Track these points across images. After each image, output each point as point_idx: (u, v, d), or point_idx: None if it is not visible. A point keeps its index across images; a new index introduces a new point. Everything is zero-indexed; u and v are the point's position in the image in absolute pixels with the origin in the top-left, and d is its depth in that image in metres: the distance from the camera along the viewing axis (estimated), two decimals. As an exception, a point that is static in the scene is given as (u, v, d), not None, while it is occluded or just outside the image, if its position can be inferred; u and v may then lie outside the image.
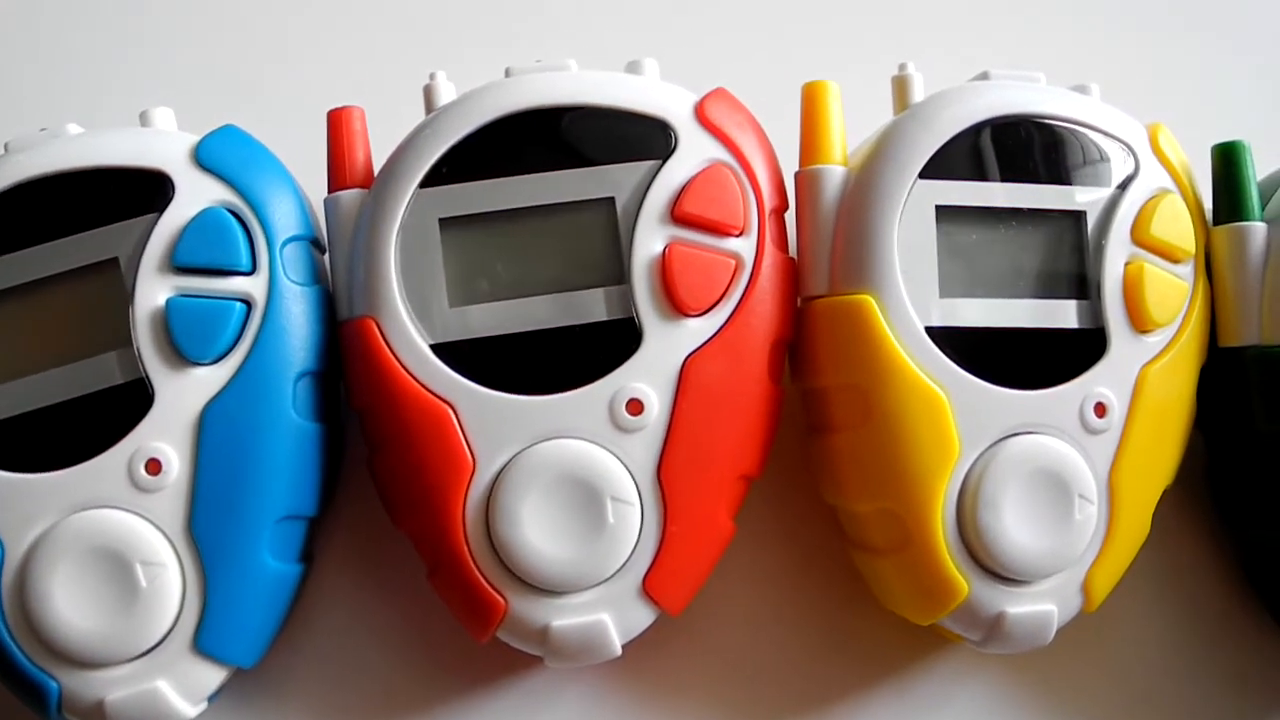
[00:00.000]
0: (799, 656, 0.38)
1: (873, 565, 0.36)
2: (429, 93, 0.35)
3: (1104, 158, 0.36)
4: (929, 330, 0.34)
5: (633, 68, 0.36)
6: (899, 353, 0.34)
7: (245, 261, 0.33)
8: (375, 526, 0.37)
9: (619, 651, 0.34)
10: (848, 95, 0.36)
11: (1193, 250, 0.36)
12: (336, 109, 0.35)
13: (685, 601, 0.34)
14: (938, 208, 0.34)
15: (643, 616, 0.34)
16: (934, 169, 0.34)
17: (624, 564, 0.33)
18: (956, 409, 0.34)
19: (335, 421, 0.35)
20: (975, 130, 0.35)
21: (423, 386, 0.33)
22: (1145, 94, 0.41)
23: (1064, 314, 0.35)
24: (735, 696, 0.37)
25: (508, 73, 0.35)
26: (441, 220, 0.34)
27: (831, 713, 0.37)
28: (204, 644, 0.33)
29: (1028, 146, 0.35)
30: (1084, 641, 0.39)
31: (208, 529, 0.32)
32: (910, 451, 0.33)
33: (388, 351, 0.33)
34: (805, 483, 0.37)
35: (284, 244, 0.34)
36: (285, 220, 0.34)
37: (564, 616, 0.33)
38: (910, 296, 0.34)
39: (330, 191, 0.35)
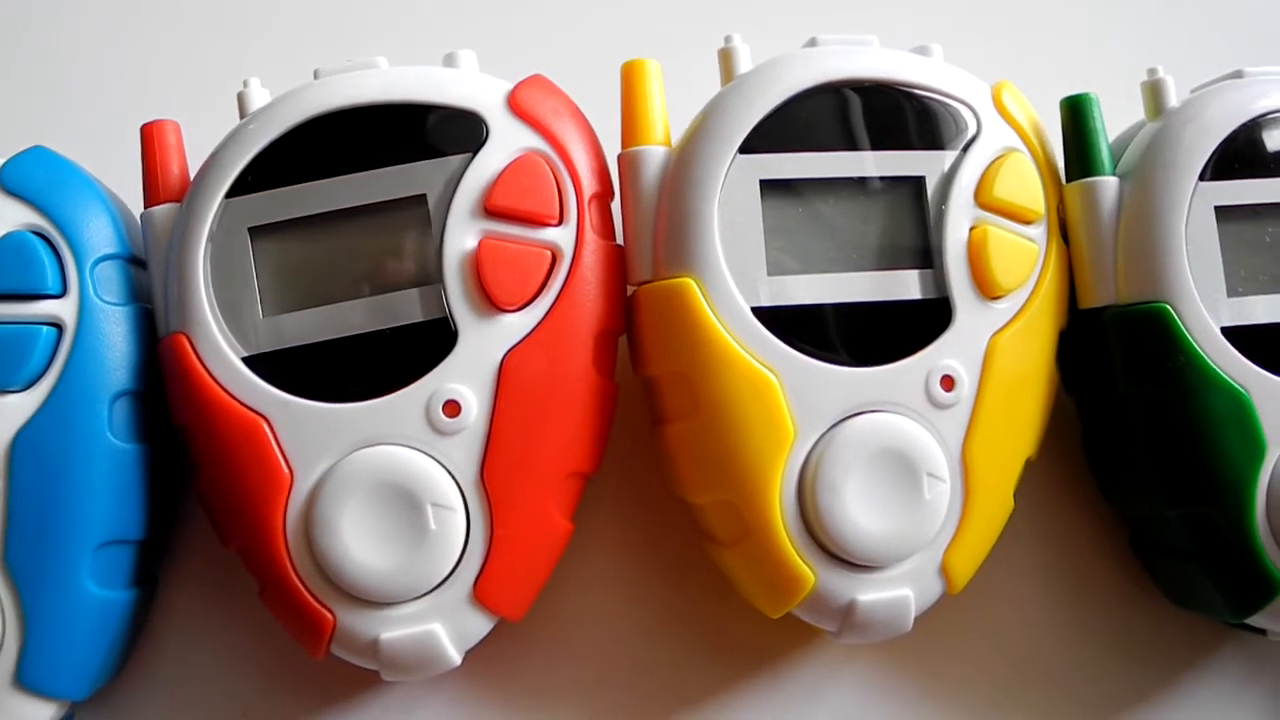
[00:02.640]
0: (662, 657, 0.36)
1: (721, 558, 0.34)
2: (242, 100, 0.35)
3: (942, 120, 0.34)
4: (756, 310, 0.32)
5: (449, 60, 0.35)
6: (722, 336, 0.32)
7: (53, 284, 0.33)
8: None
9: (458, 661, 0.32)
10: (682, 74, 0.35)
11: (1042, 210, 0.34)
12: (149, 123, 0.34)
13: (524, 606, 0.33)
14: (762, 182, 0.33)
15: (478, 625, 0.33)
16: (757, 142, 0.33)
17: (451, 571, 0.32)
18: (789, 391, 0.32)
19: (165, 441, 0.35)
20: (800, 99, 0.34)
21: (236, 400, 0.32)
22: (997, 52, 0.39)
23: (905, 285, 0.33)
24: (597, 703, 0.36)
25: (316, 74, 0.34)
26: (251, 229, 0.33)
27: (698, 715, 0.36)
28: (27, 679, 0.32)
29: (859, 113, 0.34)
30: (971, 625, 0.37)
31: (23, 560, 0.32)
32: (740, 439, 0.32)
33: (200, 367, 0.32)
34: (659, 476, 0.36)
35: (95, 263, 0.33)
36: (97, 239, 0.34)
37: (393, 628, 0.32)
38: (734, 277, 0.33)
39: (146, 207, 0.34)
